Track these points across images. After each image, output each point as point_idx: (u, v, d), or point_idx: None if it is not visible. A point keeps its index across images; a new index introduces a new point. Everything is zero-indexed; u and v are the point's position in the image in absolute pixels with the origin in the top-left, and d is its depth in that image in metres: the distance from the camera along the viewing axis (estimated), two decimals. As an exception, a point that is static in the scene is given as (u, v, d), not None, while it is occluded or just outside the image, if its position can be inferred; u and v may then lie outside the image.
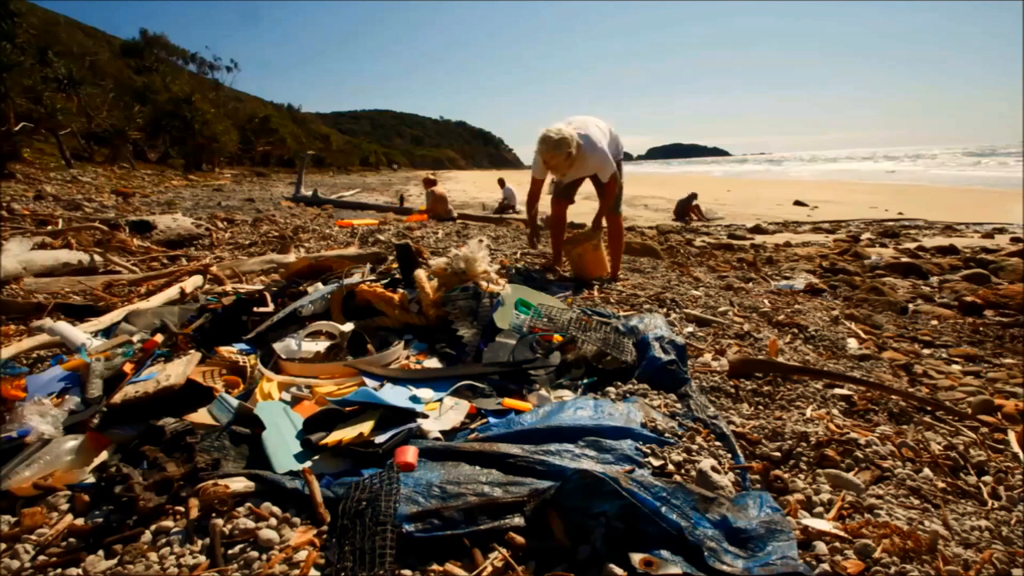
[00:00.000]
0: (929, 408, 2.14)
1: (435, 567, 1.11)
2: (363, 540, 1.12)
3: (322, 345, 2.17)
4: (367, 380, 1.90)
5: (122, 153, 18.33)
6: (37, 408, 1.60)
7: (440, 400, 1.76)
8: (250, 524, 1.20)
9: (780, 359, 2.49)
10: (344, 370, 1.99)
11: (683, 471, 1.44)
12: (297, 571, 1.09)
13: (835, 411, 2.01)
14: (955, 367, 2.93)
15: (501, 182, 12.59)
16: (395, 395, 1.74)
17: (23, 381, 1.87)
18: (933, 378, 2.72)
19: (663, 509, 1.13)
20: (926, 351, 3.21)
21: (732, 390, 2.11)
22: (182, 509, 1.25)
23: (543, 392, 1.88)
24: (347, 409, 1.63)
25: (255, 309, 2.46)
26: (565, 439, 1.48)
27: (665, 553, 1.08)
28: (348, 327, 2.26)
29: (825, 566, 1.15)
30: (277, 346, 2.13)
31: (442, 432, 1.59)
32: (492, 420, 1.67)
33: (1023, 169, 23.28)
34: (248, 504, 1.26)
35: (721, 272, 5.48)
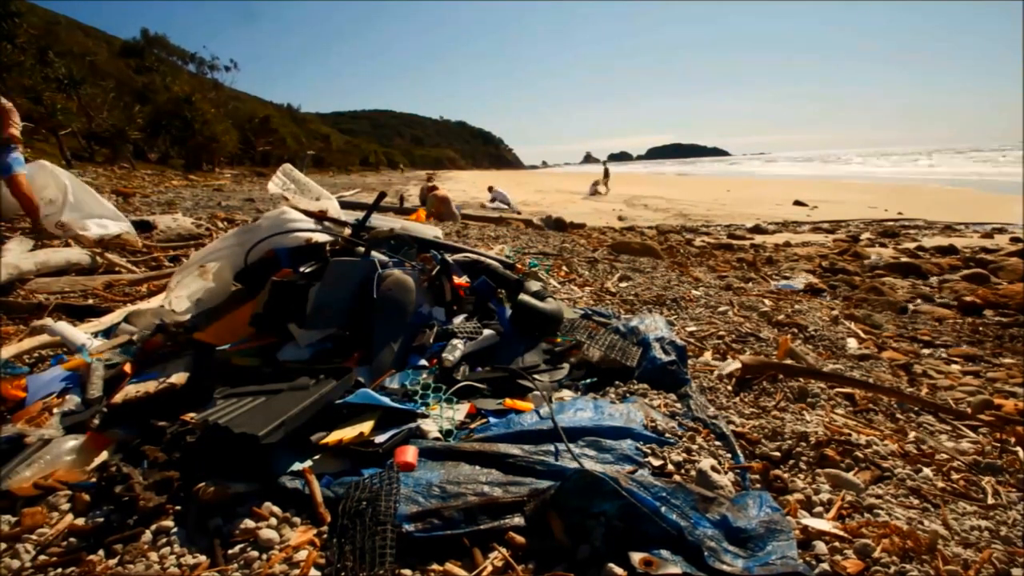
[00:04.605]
0: (930, 410, 2.14)
1: (435, 567, 1.11)
2: (363, 540, 1.12)
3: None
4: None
5: (122, 153, 18.31)
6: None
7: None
8: (250, 524, 1.20)
9: (788, 360, 2.48)
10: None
11: (683, 471, 1.44)
12: (297, 571, 1.09)
13: (835, 411, 2.00)
14: (955, 367, 2.93)
15: (491, 189, 13.78)
16: (395, 395, 1.73)
17: (23, 381, 1.86)
18: (933, 378, 2.72)
19: (663, 509, 1.13)
20: (926, 351, 3.22)
21: (732, 390, 2.11)
22: (182, 509, 1.25)
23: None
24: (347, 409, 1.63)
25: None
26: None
27: (665, 553, 1.08)
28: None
29: (825, 566, 1.15)
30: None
31: (442, 432, 1.58)
32: (492, 420, 1.67)
33: (1023, 169, 23.27)
34: (248, 504, 1.26)
35: (721, 272, 5.48)
